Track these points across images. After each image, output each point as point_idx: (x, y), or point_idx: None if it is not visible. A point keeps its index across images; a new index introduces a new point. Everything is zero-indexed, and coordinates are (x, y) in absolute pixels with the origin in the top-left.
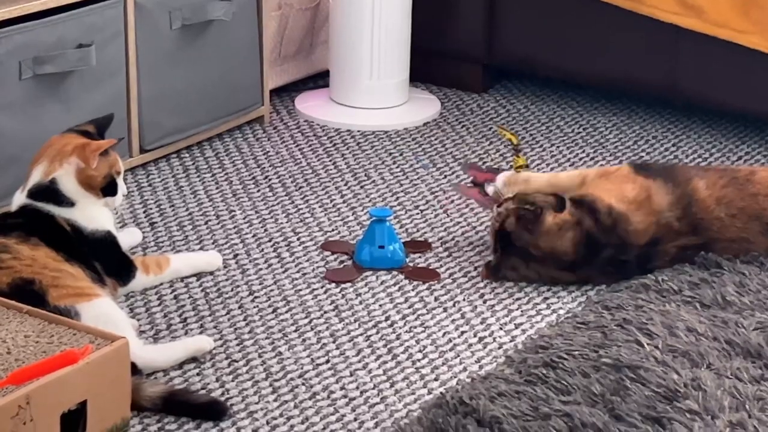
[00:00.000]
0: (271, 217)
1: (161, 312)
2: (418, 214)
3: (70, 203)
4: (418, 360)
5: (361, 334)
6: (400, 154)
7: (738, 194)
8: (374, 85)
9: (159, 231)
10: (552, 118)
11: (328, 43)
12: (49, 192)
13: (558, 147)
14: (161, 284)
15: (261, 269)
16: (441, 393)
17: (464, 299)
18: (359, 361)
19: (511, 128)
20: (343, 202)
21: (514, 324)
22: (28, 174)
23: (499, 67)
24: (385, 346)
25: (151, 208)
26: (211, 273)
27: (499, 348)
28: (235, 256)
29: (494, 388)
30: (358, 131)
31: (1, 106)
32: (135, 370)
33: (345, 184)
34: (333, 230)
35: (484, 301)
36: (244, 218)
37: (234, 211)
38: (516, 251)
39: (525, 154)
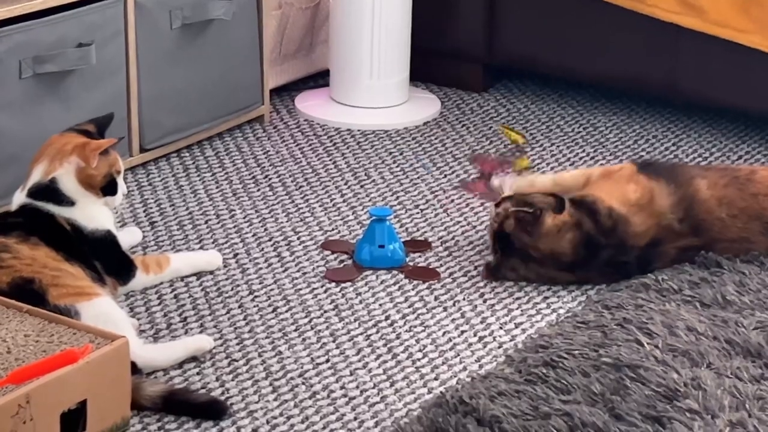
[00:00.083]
0: (272, 217)
1: (161, 311)
2: (418, 213)
3: (70, 202)
4: (418, 359)
5: (361, 334)
6: (401, 154)
7: (739, 194)
8: (374, 85)
9: (159, 230)
10: (552, 118)
11: (329, 43)
12: (49, 191)
13: (558, 146)
14: (161, 283)
15: (261, 268)
16: (441, 392)
17: (464, 298)
18: (359, 361)
19: (512, 128)
20: (343, 201)
21: (514, 323)
22: (28, 173)
23: (500, 66)
24: (385, 345)
25: (151, 208)
26: (211, 272)
27: (499, 347)
28: (235, 255)
29: (494, 388)
30: (359, 130)
31: (1, 105)
32: (135, 369)
33: (345, 184)
34: (333, 229)
35: (484, 301)
36: (244, 217)
37: (234, 210)
38: (515, 252)
39: (529, 156)
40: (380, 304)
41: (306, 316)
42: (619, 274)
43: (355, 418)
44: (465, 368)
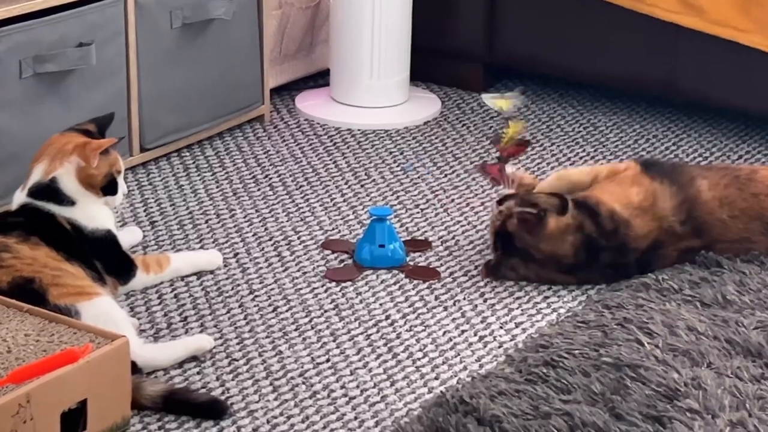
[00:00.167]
0: (272, 216)
1: (161, 311)
2: (418, 212)
3: (71, 202)
4: (419, 359)
5: (362, 333)
6: (401, 154)
7: (739, 194)
8: (375, 84)
9: (159, 230)
10: (552, 117)
11: (329, 42)
12: (50, 191)
13: (558, 146)
14: (161, 283)
15: (261, 268)
16: (441, 392)
17: (464, 298)
18: (360, 360)
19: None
20: (344, 201)
21: (515, 323)
22: (28, 173)
23: (500, 66)
24: (385, 345)
25: (151, 207)
26: (212, 272)
27: (500, 347)
28: (236, 254)
29: (494, 387)
30: (359, 130)
31: (1, 104)
32: (135, 368)
33: (345, 183)
34: (333, 229)
35: (485, 300)
36: (244, 217)
37: (234, 210)
38: (516, 252)
39: (517, 120)
40: (380, 304)
41: (306, 316)
42: (620, 275)
43: (356, 418)
44: (465, 368)
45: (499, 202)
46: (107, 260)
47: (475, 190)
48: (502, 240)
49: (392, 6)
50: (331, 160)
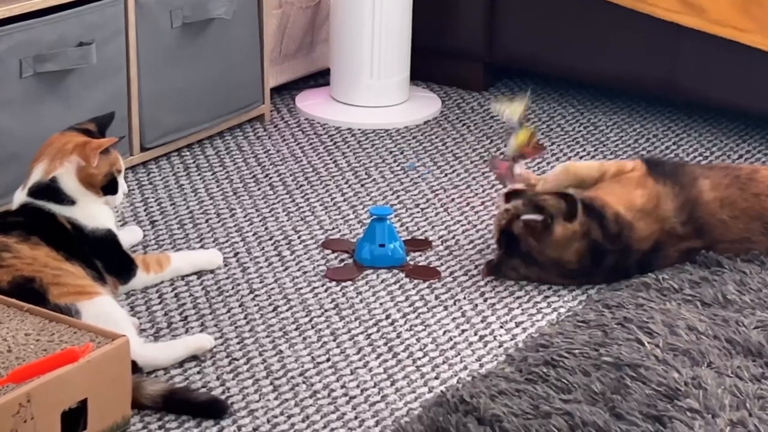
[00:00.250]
0: (272, 216)
1: (162, 310)
2: (418, 212)
3: (71, 202)
4: (419, 358)
5: (362, 333)
6: (401, 153)
7: (740, 194)
8: (375, 84)
9: (160, 229)
10: (553, 117)
11: (329, 42)
12: (50, 190)
13: (559, 145)
14: (162, 282)
15: (262, 267)
16: (442, 391)
17: (465, 297)
18: (360, 360)
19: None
20: (344, 200)
21: (515, 322)
22: (28, 172)
23: (500, 65)
24: (385, 344)
25: (151, 207)
26: (212, 271)
27: (500, 346)
28: (236, 254)
29: (495, 387)
30: (359, 129)
31: (1, 104)
32: (135, 368)
33: (345, 183)
34: (333, 229)
35: (485, 300)
36: (244, 216)
37: (235, 209)
38: (519, 253)
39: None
40: (381, 303)
41: (307, 315)
42: (620, 276)
43: (356, 417)
44: (466, 367)
45: (507, 198)
46: (107, 260)
47: (476, 189)
48: (506, 239)
49: (392, 5)
50: (331, 159)
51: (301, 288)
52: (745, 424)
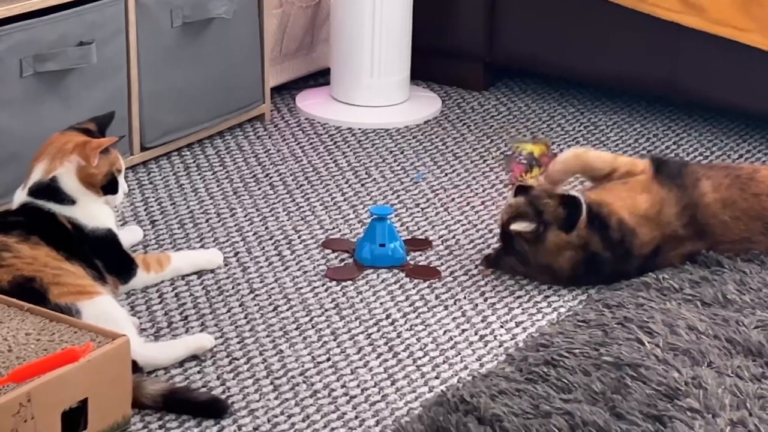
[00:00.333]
0: (272, 215)
1: (162, 310)
2: (418, 212)
3: (71, 201)
4: (419, 358)
5: (362, 332)
6: (401, 153)
7: (741, 194)
8: (375, 83)
9: (160, 229)
10: (553, 116)
11: (329, 41)
12: (50, 190)
13: (559, 145)
14: (162, 282)
15: (262, 267)
16: (442, 391)
17: (465, 297)
18: (360, 359)
19: (513, 126)
20: (344, 200)
21: (515, 322)
22: (28, 172)
23: (500, 65)
24: (386, 344)
25: (152, 206)
26: (212, 271)
27: (500, 346)
28: (236, 254)
29: (495, 386)
30: (359, 129)
31: (1, 103)
32: (136, 368)
33: (346, 182)
34: (334, 228)
35: (485, 299)
36: (245, 216)
37: (235, 208)
38: (515, 252)
39: (542, 169)
40: (381, 303)
41: (307, 315)
42: (619, 279)
43: (356, 417)
44: (466, 367)
45: (516, 192)
46: (108, 259)
47: (476, 189)
48: (504, 236)
49: (393, 5)
50: (331, 159)
51: (301, 288)
52: (745, 423)
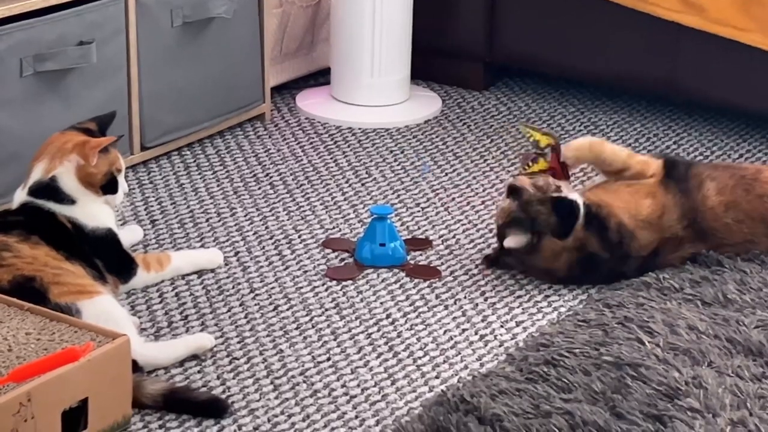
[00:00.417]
0: (272, 215)
1: (162, 309)
2: (419, 211)
3: (71, 201)
4: (420, 357)
5: (362, 332)
6: (401, 152)
7: (745, 196)
8: (375, 83)
9: (160, 228)
10: (553, 116)
11: (329, 41)
12: (50, 189)
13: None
14: (162, 282)
15: (262, 267)
16: (442, 391)
17: (465, 297)
18: (360, 359)
19: (513, 126)
20: (344, 199)
21: (515, 322)
22: (28, 171)
23: (500, 64)
24: (386, 343)
25: (152, 206)
26: (213, 270)
27: (500, 346)
28: (236, 253)
29: (495, 386)
30: (359, 129)
31: (1, 103)
32: (136, 367)
33: (346, 182)
34: (334, 228)
35: (485, 299)
36: (245, 216)
37: (235, 208)
38: (512, 254)
39: (547, 159)
40: (381, 303)
41: (307, 315)
42: (617, 279)
43: (357, 417)
44: (466, 366)
45: (509, 192)
46: (108, 259)
47: (476, 188)
48: (501, 237)
49: (393, 5)
50: (331, 158)
51: (301, 287)
52: (745, 423)
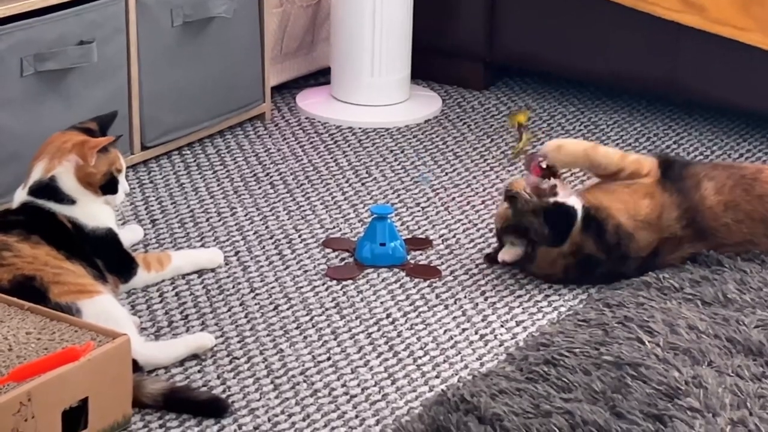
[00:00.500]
0: (273, 214)
1: (162, 309)
2: (419, 211)
3: (71, 201)
4: (420, 357)
5: (363, 332)
6: (402, 152)
7: (745, 196)
8: (375, 82)
9: (160, 228)
10: (553, 116)
11: (330, 40)
12: (50, 189)
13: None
14: (163, 281)
15: (262, 266)
16: (442, 390)
17: (465, 296)
18: (360, 359)
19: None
20: (345, 199)
21: (516, 321)
22: (29, 171)
23: (501, 64)
24: (386, 343)
25: (152, 205)
26: (213, 270)
27: (501, 345)
28: (237, 253)
29: (495, 386)
30: (360, 128)
31: (2, 102)
32: (136, 367)
33: (346, 182)
34: (334, 227)
35: (486, 299)
36: (245, 215)
37: (235, 208)
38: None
39: (532, 132)
40: (381, 302)
41: (307, 314)
42: (616, 280)
43: (357, 416)
44: (466, 366)
45: (505, 196)
46: (108, 258)
47: (476, 188)
48: (500, 243)
49: (393, 4)
50: (331, 158)
51: (301, 287)
52: (745, 423)
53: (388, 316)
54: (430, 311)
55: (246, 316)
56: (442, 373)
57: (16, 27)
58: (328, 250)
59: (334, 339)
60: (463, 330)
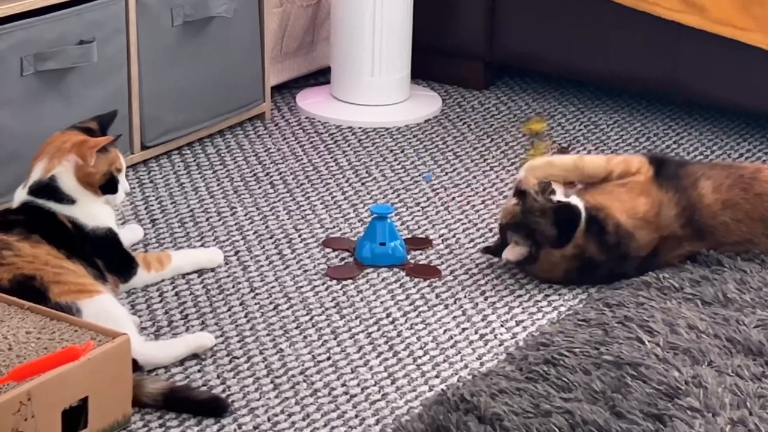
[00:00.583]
0: (273, 214)
1: (162, 308)
2: (419, 211)
3: (71, 200)
4: (419, 357)
5: (363, 331)
6: (402, 151)
7: (744, 195)
8: (375, 82)
9: (160, 228)
10: (553, 116)
11: (330, 40)
12: (49, 189)
13: (560, 144)
14: (162, 281)
15: (262, 266)
16: (442, 390)
17: (465, 296)
18: (360, 358)
19: (513, 126)
20: (345, 199)
21: (515, 321)
22: (29, 171)
23: (501, 64)
24: (386, 343)
25: (152, 205)
26: (213, 270)
27: (500, 345)
28: (237, 252)
29: (495, 385)
30: (360, 128)
31: (2, 102)
32: (136, 366)
33: (346, 181)
34: (334, 227)
35: (485, 298)
36: (245, 215)
37: (235, 207)
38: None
39: (550, 138)
40: (381, 302)
41: (307, 314)
42: (616, 280)
43: (357, 416)
44: (466, 366)
45: (515, 192)
46: (108, 258)
47: (476, 187)
48: (503, 234)
49: (393, 4)
50: (331, 157)
51: (301, 286)
52: (745, 422)
53: (388, 315)
54: (430, 311)
55: (246, 316)
56: (442, 373)
57: (16, 26)
58: (328, 250)
59: (334, 339)
60: (463, 330)
